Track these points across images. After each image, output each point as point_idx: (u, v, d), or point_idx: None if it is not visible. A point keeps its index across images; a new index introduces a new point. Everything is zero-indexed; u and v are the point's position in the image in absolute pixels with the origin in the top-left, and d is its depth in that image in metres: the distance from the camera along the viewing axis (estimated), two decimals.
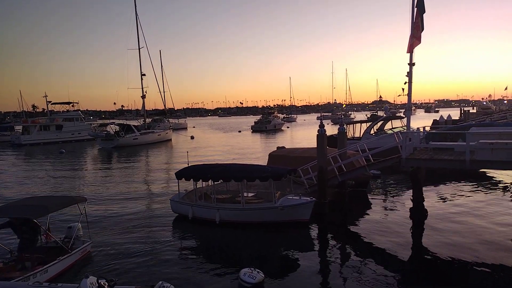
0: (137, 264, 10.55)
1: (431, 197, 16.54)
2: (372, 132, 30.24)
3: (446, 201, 16.37)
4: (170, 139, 58.83)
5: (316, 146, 16.03)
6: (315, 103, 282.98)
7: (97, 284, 6.96)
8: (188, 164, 16.94)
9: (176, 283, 8.54)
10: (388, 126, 31.77)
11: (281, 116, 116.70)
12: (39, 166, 33.68)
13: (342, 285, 9.12)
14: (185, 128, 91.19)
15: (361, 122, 33.59)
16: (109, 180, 25.34)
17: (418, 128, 19.42)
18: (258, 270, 9.07)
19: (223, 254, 11.43)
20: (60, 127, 61.73)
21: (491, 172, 21.30)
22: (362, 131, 31.01)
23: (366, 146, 17.26)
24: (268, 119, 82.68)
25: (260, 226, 13.42)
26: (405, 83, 16.44)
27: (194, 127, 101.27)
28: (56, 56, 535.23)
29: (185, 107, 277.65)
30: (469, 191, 17.84)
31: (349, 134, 30.35)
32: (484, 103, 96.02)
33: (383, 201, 17.08)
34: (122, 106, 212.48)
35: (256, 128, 78.46)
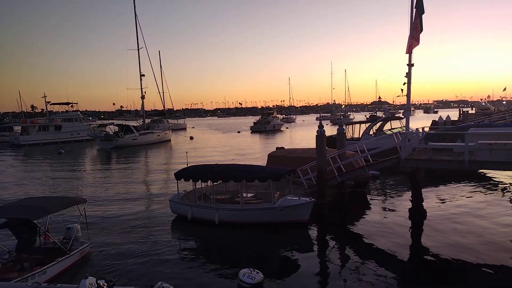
0: (136, 265, 10.55)
1: (430, 198, 16.55)
2: (371, 132, 30.27)
3: (445, 201, 16.38)
4: (169, 140, 58.79)
5: (315, 147, 16.05)
6: (314, 104, 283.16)
7: (96, 285, 6.95)
8: (187, 165, 16.93)
9: (176, 284, 8.54)
10: (387, 126, 31.80)
11: (280, 116, 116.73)
12: (38, 167, 33.64)
13: (342, 285, 9.12)
14: (184, 129, 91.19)
15: (360, 122, 33.64)
16: (108, 180, 25.31)
17: (417, 129, 19.45)
18: (257, 271, 9.07)
19: (222, 255, 11.43)
20: (59, 128, 61.66)
21: (490, 173, 21.33)
22: (361, 132, 31.05)
23: (365, 147, 17.28)
24: (267, 119, 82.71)
25: (259, 226, 13.41)
26: (404, 83, 16.45)
27: (193, 127, 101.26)
28: (55, 56, 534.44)
29: (184, 108, 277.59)
30: (468, 192, 17.87)
31: (348, 135, 30.40)
32: (483, 103, 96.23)
33: (382, 201, 17.09)
34: (121, 106, 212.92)
35: (255, 129, 78.49)
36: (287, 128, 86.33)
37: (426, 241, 11.79)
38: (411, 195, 15.69)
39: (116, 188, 22.15)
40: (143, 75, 57.36)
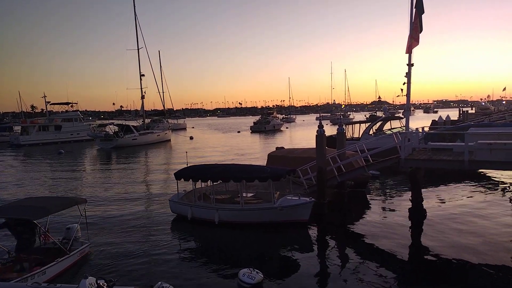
0: (136, 265, 10.54)
1: (430, 198, 16.55)
2: (371, 132, 30.27)
3: (445, 201, 16.38)
4: (169, 140, 58.79)
5: (315, 147, 16.05)
6: (314, 104, 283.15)
7: (96, 285, 6.95)
8: (187, 165, 16.94)
9: (175, 283, 8.54)
10: (387, 126, 31.81)
11: (280, 116, 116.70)
12: (38, 167, 33.63)
13: (342, 285, 9.13)
14: (184, 129, 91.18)
15: (360, 122, 33.63)
16: (108, 180, 25.31)
17: (417, 129, 19.45)
18: (257, 271, 9.07)
19: (222, 255, 11.43)
20: (59, 128, 61.66)
21: (490, 173, 21.34)
22: (361, 132, 31.05)
23: (365, 147, 17.28)
24: (267, 119, 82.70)
25: (259, 226, 13.41)
26: (404, 83, 16.44)
27: (193, 127, 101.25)
28: (55, 56, 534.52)
29: (184, 108, 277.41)
30: (468, 192, 17.87)
31: (348, 135, 30.40)
32: (483, 103, 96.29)
33: (382, 201, 17.10)
34: (121, 106, 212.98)
35: (255, 129, 78.49)
36: (287, 128, 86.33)
37: (426, 241, 11.79)
38: (411, 195, 15.69)
39: (116, 188, 22.14)
40: (143, 75, 57.42)
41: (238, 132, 76.89)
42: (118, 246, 12.07)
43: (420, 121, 60.05)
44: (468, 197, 16.84)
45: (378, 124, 31.63)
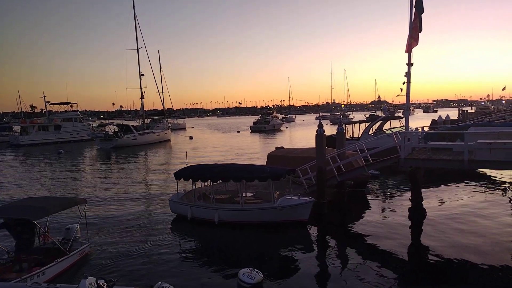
0: (136, 265, 10.54)
1: (429, 197, 16.55)
2: (370, 132, 30.28)
3: (444, 201, 16.39)
4: (169, 140, 58.78)
5: (315, 146, 16.05)
6: (314, 103, 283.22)
7: (96, 285, 6.95)
8: (187, 165, 16.93)
9: (175, 283, 8.53)
10: (386, 126, 31.82)
11: (280, 116, 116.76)
12: (37, 167, 33.61)
13: (341, 285, 9.12)
14: (184, 129, 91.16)
15: (360, 122, 33.65)
16: (108, 180, 25.30)
17: (416, 128, 19.46)
18: (257, 271, 9.06)
19: (222, 255, 11.42)
20: (58, 128, 61.63)
21: (490, 172, 21.34)
22: (361, 131, 31.06)
23: (364, 146, 17.29)
24: (267, 119, 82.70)
25: (259, 226, 13.41)
26: (404, 83, 16.46)
27: (193, 127, 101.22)
28: (55, 56, 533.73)
29: (184, 108, 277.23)
30: (468, 191, 17.87)
31: (348, 134, 30.40)
32: (482, 103, 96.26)
33: (382, 201, 17.10)
34: (121, 106, 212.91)
35: (255, 128, 78.48)
36: (286, 127, 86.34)
37: (426, 241, 11.79)
38: (410, 194, 15.70)
39: (115, 188, 22.14)
40: (143, 75, 57.45)
41: (238, 132, 76.88)
42: (118, 246, 12.06)
43: (420, 121, 60.08)
44: (468, 197, 16.84)
45: (378, 123, 31.64)
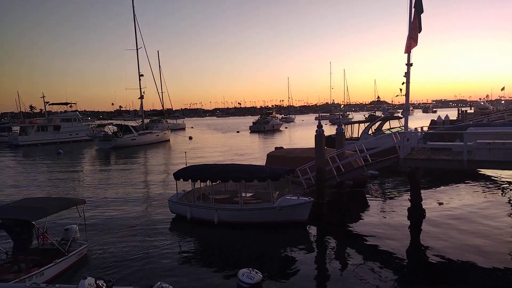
0: (135, 265, 10.53)
1: (429, 197, 16.56)
2: (370, 132, 30.30)
3: (444, 201, 16.39)
4: (168, 140, 58.75)
5: (314, 147, 16.04)
6: (313, 104, 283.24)
7: (95, 285, 6.94)
8: (186, 165, 16.92)
9: (175, 283, 8.51)
10: (386, 126, 31.83)
11: (279, 116, 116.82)
12: (36, 167, 33.57)
13: (341, 284, 9.12)
14: (183, 129, 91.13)
15: (359, 122, 33.66)
16: (107, 181, 25.27)
17: (416, 128, 19.46)
18: (256, 271, 9.05)
19: (222, 255, 11.42)
20: (58, 128, 61.56)
21: (489, 172, 21.36)
22: (360, 132, 31.07)
23: (364, 146, 17.27)
24: (267, 119, 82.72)
25: (258, 226, 13.41)
26: (403, 83, 16.45)
27: (192, 127, 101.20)
28: (54, 56, 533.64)
29: (183, 108, 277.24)
30: (467, 191, 17.89)
31: (347, 135, 30.40)
32: (482, 103, 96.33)
33: (381, 201, 17.10)
34: (120, 106, 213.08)
35: (254, 129, 78.48)
36: (286, 128, 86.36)
37: (425, 241, 11.79)
38: (410, 194, 15.68)
39: (115, 189, 22.11)
40: (142, 75, 57.54)
41: (237, 132, 76.88)
42: (117, 246, 12.05)
43: (419, 121, 60.11)
44: (467, 197, 16.86)
45: (377, 124, 31.67)
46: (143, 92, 58.24)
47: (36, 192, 21.66)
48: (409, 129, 17.50)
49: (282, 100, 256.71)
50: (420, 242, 11.95)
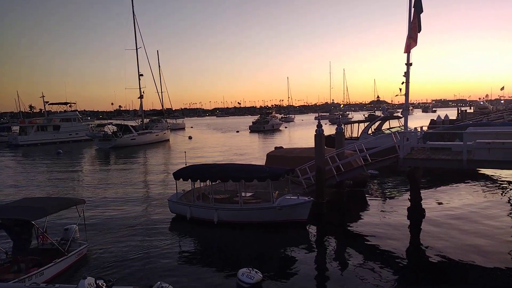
0: (135, 265, 10.52)
1: (428, 197, 16.57)
2: (369, 132, 30.30)
3: (443, 200, 16.39)
4: (168, 140, 58.74)
5: (314, 146, 16.04)
6: (313, 103, 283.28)
7: (95, 285, 6.94)
8: (186, 164, 16.91)
9: (175, 283, 8.51)
10: (385, 126, 31.85)
11: (279, 116, 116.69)
12: (36, 167, 33.55)
13: (341, 284, 9.12)
14: (183, 128, 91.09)
15: (359, 122, 33.66)
16: (107, 181, 25.26)
17: (415, 128, 19.48)
18: (256, 270, 9.04)
19: (221, 254, 11.42)
20: (57, 128, 61.51)
21: (488, 172, 21.36)
22: (360, 131, 31.08)
23: (363, 146, 17.28)
24: (266, 119, 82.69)
25: (258, 226, 13.41)
26: (403, 83, 16.46)
27: (192, 127, 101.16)
28: (54, 56, 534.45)
29: (183, 107, 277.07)
30: (467, 191, 17.89)
31: (347, 134, 30.42)
32: (481, 103, 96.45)
33: (381, 200, 17.11)
34: (120, 106, 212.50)
35: (254, 128, 78.45)
36: (285, 127, 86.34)
37: (425, 240, 11.80)
38: (409, 194, 15.70)
39: (114, 189, 22.11)
40: (142, 75, 57.50)
41: (237, 132, 76.84)
42: (117, 246, 12.04)
43: (419, 121, 60.15)
44: (467, 197, 16.86)
45: (377, 123, 31.67)
46: (143, 92, 58.28)
47: (36, 192, 21.65)
48: (408, 129, 17.52)
49: (282, 100, 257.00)
50: (420, 241, 11.95)
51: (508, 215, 13.95)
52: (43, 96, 67.39)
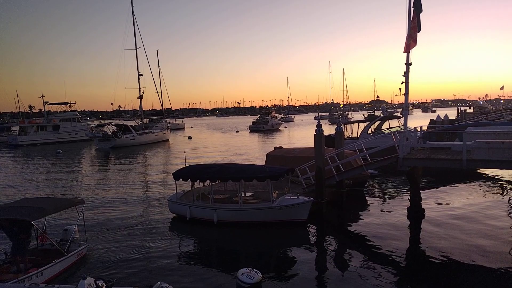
0: (135, 265, 10.51)
1: (428, 197, 16.57)
2: (369, 131, 30.31)
3: (443, 200, 16.39)
4: (168, 140, 58.74)
5: (313, 146, 16.04)
6: (313, 103, 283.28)
7: (94, 285, 6.94)
8: (185, 164, 16.90)
9: (174, 283, 8.51)
10: (385, 125, 31.88)
11: (279, 116, 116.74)
12: (35, 167, 33.53)
13: (340, 284, 9.12)
14: (183, 128, 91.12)
15: (359, 122, 33.67)
16: (106, 181, 25.25)
17: (415, 128, 19.48)
18: (256, 270, 9.04)
19: (221, 254, 11.42)
20: (57, 128, 61.50)
21: (488, 172, 21.37)
22: (360, 131, 31.08)
23: (363, 146, 17.28)
24: (266, 119, 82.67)
25: (258, 226, 13.40)
26: (402, 83, 16.49)
27: (191, 127, 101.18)
28: (54, 56, 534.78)
29: (182, 107, 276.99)
30: (466, 191, 17.90)
31: (347, 134, 30.42)
32: (481, 102, 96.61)
33: (381, 200, 17.11)
34: (120, 106, 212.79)
35: (254, 128, 78.44)
36: (285, 127, 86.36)
37: (425, 240, 11.79)
38: (409, 194, 15.71)
39: (114, 189, 22.10)
40: (141, 75, 57.53)
41: (237, 131, 76.84)
42: (117, 246, 12.03)
43: (418, 120, 60.17)
44: (466, 197, 16.86)
45: (377, 123, 31.69)
46: (142, 92, 58.32)
47: (35, 192, 21.63)
48: (408, 129, 17.53)
49: (282, 100, 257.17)
50: (419, 241, 11.95)
51: (508, 215, 13.95)
52: (42, 96, 67.59)
